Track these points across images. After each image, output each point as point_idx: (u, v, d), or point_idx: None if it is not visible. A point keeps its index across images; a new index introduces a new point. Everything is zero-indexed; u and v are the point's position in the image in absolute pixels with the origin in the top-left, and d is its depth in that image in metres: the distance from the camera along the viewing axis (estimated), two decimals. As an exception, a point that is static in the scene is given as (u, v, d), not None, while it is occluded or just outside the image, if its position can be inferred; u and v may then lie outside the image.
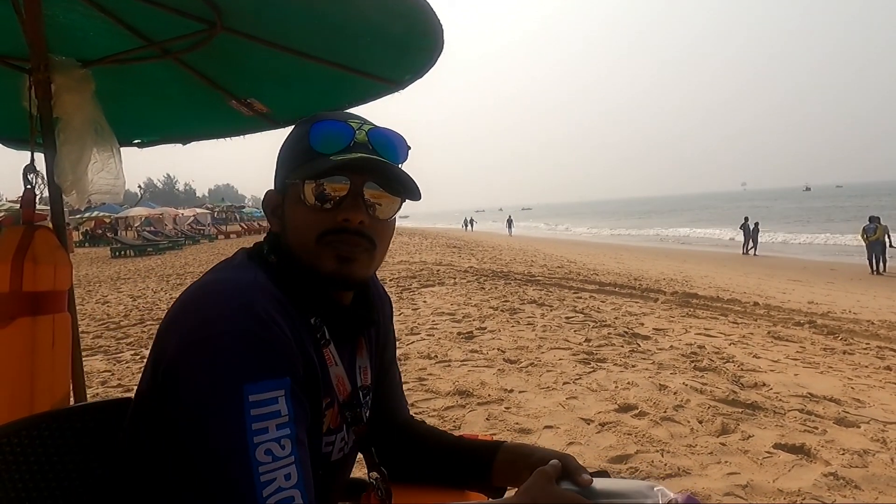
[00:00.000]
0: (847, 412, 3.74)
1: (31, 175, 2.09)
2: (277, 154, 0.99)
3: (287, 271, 0.94)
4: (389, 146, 0.94)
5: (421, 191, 0.95)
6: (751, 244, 24.68)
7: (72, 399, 2.08)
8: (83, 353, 6.19)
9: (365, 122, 0.95)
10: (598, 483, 0.88)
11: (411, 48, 2.15)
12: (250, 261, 0.95)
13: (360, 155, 0.89)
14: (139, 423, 0.87)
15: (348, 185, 0.90)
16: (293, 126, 0.99)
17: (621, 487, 0.86)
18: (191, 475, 0.76)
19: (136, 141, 2.98)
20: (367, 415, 1.09)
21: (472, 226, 55.83)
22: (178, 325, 0.82)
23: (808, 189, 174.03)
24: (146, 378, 0.86)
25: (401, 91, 2.53)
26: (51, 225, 2.15)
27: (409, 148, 0.97)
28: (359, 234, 0.91)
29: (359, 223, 0.90)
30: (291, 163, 0.94)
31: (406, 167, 0.97)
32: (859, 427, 3.50)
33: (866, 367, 4.96)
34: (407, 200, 0.98)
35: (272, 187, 1.00)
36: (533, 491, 0.84)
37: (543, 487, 0.84)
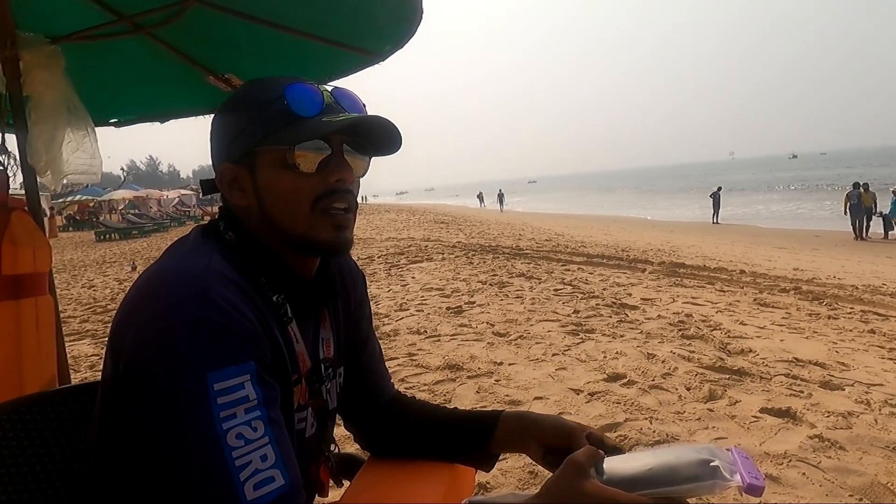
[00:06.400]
0: (832, 376, 3.79)
1: (3, 156, 2.04)
2: (220, 126, 0.93)
3: (247, 248, 0.91)
4: (356, 104, 0.93)
5: (401, 142, 0.94)
6: (716, 215, 25.17)
7: (57, 383, 2.06)
8: (71, 338, 6.18)
9: (317, 83, 0.93)
10: (638, 459, 0.75)
11: (390, 17, 2.10)
12: (205, 240, 0.91)
13: (357, 115, 0.88)
14: (106, 415, 0.85)
15: (331, 147, 0.89)
16: (236, 92, 0.95)
17: (667, 461, 0.73)
18: (164, 467, 0.74)
19: (112, 120, 2.92)
20: (338, 389, 1.08)
21: (484, 201, 52.83)
22: (134, 317, 0.79)
23: (794, 157, 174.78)
24: (107, 370, 0.84)
25: (381, 63, 2.49)
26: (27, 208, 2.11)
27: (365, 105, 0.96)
28: (348, 192, 0.91)
29: (351, 182, 0.90)
30: (264, 129, 0.88)
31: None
32: (844, 390, 3.55)
33: (850, 331, 5.02)
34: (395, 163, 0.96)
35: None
36: (558, 488, 0.75)
37: (571, 484, 0.74)
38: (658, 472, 0.72)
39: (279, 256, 0.92)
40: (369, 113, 0.93)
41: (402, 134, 0.93)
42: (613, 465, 0.76)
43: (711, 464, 0.71)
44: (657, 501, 0.71)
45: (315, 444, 1.02)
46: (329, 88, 0.92)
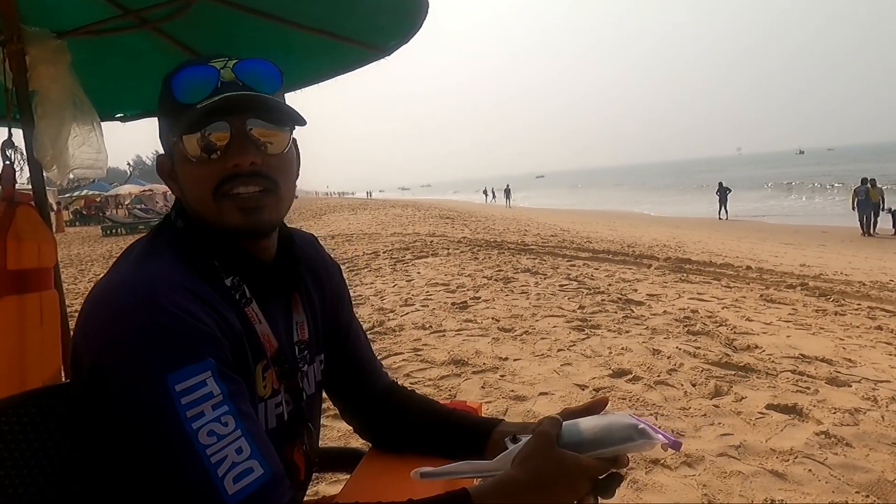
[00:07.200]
0: (839, 372, 3.77)
1: (10, 150, 2.04)
2: (158, 121, 0.94)
3: (195, 235, 0.91)
4: (260, 77, 0.89)
5: (303, 116, 0.90)
6: (723, 210, 25.03)
7: (63, 377, 2.07)
8: (77, 332, 6.21)
9: (231, 57, 0.89)
10: (581, 426, 0.85)
11: (395, 12, 2.10)
12: (155, 239, 0.91)
13: (225, 95, 0.84)
14: (80, 421, 0.85)
15: (229, 128, 0.85)
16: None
17: (604, 426, 0.83)
18: (141, 472, 0.75)
19: (118, 115, 2.92)
20: (317, 377, 1.08)
21: (493, 197, 53.31)
22: (90, 330, 0.79)
23: (801, 152, 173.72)
24: (72, 381, 0.84)
25: (387, 58, 2.48)
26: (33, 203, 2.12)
27: (282, 74, 0.92)
28: (254, 174, 0.86)
29: (250, 165, 0.85)
30: (167, 121, 0.89)
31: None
32: (850, 386, 3.54)
33: (857, 327, 4.99)
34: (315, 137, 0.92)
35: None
36: (535, 458, 0.80)
37: (545, 453, 0.79)
38: (599, 436, 0.82)
39: (223, 237, 0.91)
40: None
41: (287, 106, 0.89)
42: (563, 432, 0.85)
43: (639, 427, 0.80)
44: (600, 462, 0.80)
45: (290, 427, 1.01)
46: (232, 64, 0.88)
